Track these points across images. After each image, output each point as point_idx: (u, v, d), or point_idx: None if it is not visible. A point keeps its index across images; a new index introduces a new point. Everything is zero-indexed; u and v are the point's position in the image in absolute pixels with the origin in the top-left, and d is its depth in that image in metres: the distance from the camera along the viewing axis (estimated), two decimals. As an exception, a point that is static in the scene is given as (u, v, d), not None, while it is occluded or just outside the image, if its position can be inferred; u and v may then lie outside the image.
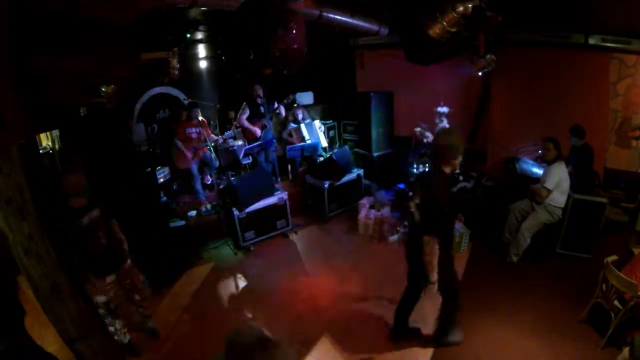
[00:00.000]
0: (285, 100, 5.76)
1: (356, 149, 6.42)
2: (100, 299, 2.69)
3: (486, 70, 4.55)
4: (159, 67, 4.97)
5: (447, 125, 5.03)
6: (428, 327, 3.04)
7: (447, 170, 2.35)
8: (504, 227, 4.21)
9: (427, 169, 4.67)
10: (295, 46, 2.02)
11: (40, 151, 5.00)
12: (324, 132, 6.26)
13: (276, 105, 5.75)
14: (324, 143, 6.20)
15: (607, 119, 4.68)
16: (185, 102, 5.67)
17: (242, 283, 4.01)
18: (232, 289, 3.94)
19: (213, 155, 5.50)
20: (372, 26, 4.90)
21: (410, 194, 2.40)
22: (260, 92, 5.56)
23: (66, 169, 4.67)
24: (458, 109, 5.43)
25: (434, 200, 2.29)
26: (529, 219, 3.86)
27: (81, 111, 4.11)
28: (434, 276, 2.33)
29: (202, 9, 3.61)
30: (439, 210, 2.29)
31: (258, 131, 5.60)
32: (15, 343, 2.02)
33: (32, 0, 1.70)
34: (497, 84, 5.37)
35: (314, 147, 5.83)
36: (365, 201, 5.14)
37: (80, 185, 2.60)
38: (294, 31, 1.99)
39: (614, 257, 2.83)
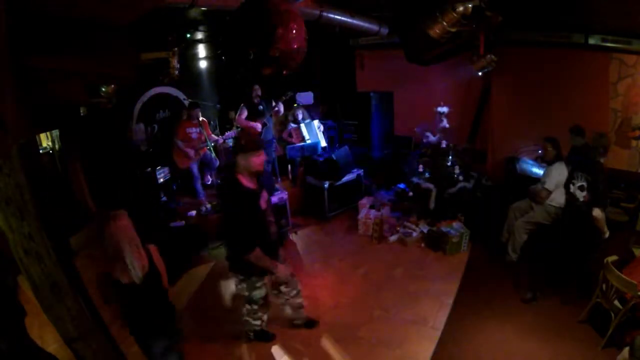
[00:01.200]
0: (283, 97, 5.76)
1: (356, 149, 6.42)
2: (261, 293, 2.65)
3: (486, 70, 4.55)
4: (159, 67, 4.97)
5: (447, 125, 5.04)
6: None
7: (602, 160, 3.19)
8: (503, 226, 4.22)
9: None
10: (296, 46, 2.02)
11: (40, 151, 5.01)
12: (322, 132, 6.26)
13: (274, 103, 5.76)
14: (323, 143, 6.20)
15: (607, 119, 4.67)
16: (186, 102, 5.67)
17: (242, 283, 4.01)
18: (232, 289, 3.93)
19: (213, 155, 5.50)
20: (372, 26, 4.90)
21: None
22: (259, 92, 5.56)
23: (67, 169, 4.68)
24: (458, 109, 5.43)
25: (603, 181, 3.07)
26: (525, 216, 3.88)
27: (81, 111, 4.12)
28: (607, 233, 3.08)
29: (202, 9, 3.61)
30: (606, 189, 3.11)
31: (258, 126, 5.56)
32: (15, 343, 2.02)
33: (32, 0, 1.70)
34: (497, 84, 5.37)
35: (314, 147, 5.83)
36: (365, 201, 5.14)
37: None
38: (294, 31, 1.99)
39: (614, 257, 2.83)
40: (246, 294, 2.67)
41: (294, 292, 2.89)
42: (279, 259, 2.65)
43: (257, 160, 2.33)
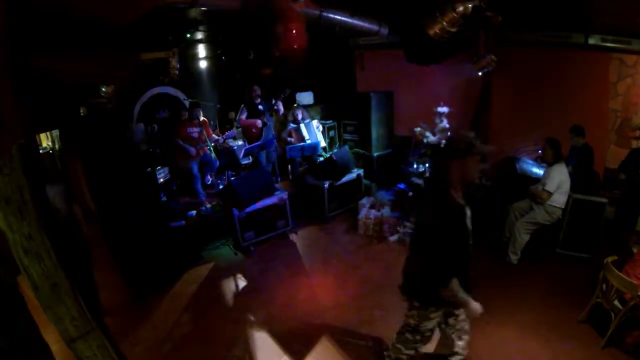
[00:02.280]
0: (282, 95, 5.76)
1: (356, 149, 6.43)
2: (431, 324, 2.22)
3: (486, 70, 4.55)
4: (159, 67, 4.98)
5: (447, 126, 5.02)
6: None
7: None
8: (504, 226, 4.22)
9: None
10: (296, 45, 2.03)
11: (40, 151, 5.01)
12: (321, 132, 6.27)
13: (274, 102, 5.76)
14: (323, 143, 6.21)
15: (607, 119, 4.68)
16: (186, 102, 5.69)
17: (242, 283, 4.01)
18: (232, 289, 3.94)
19: (213, 155, 5.51)
20: (372, 26, 4.90)
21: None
22: (259, 92, 5.57)
23: (68, 169, 4.68)
24: (458, 109, 5.42)
25: None
26: (526, 217, 3.88)
27: (81, 111, 4.12)
28: None
29: (202, 9, 3.62)
30: None
31: (258, 122, 5.55)
32: (16, 341, 2.02)
33: (32, 0, 1.70)
34: (497, 84, 5.37)
35: (314, 147, 5.83)
36: (365, 201, 5.14)
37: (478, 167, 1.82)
38: (294, 30, 1.99)
39: (614, 257, 2.83)
40: (413, 322, 2.26)
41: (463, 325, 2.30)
42: (471, 291, 2.10)
43: (476, 166, 1.84)
